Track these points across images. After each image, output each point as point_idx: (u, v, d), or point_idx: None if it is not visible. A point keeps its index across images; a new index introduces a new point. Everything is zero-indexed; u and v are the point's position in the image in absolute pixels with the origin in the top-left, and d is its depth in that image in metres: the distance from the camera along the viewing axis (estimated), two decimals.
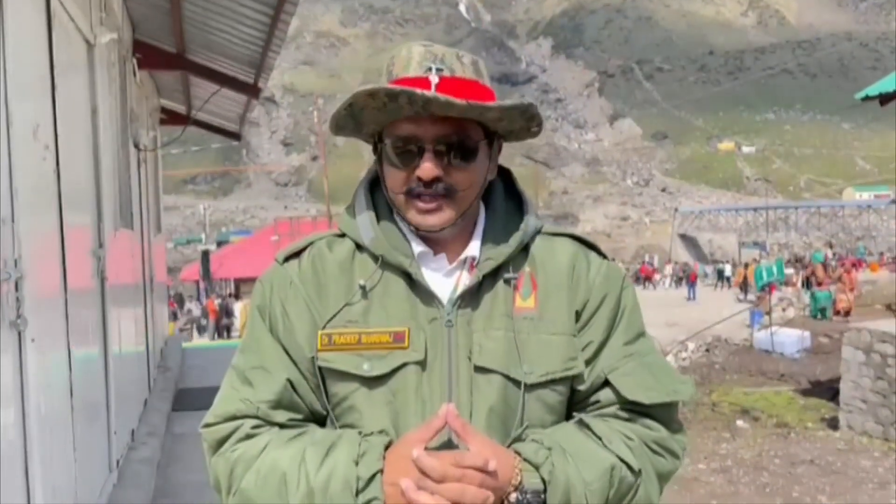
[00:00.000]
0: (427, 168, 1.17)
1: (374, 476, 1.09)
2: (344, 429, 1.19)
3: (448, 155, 1.18)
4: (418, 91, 1.11)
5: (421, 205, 1.20)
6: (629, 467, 1.17)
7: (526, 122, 1.24)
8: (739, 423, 9.56)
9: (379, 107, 1.16)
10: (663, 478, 1.23)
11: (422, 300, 1.21)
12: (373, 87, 1.14)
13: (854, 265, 45.03)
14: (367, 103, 1.16)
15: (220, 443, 1.19)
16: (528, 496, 1.09)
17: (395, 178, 1.22)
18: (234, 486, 1.16)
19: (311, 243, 1.29)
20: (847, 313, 19.15)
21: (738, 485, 6.87)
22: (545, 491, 1.11)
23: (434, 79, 1.17)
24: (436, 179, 1.18)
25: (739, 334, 17.60)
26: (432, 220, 1.20)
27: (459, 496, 1.04)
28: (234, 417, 1.19)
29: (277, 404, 1.19)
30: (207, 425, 1.22)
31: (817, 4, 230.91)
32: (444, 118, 1.16)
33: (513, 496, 1.09)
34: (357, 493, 1.08)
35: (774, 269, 19.33)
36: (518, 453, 1.14)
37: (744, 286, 27.87)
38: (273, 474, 1.12)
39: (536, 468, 1.12)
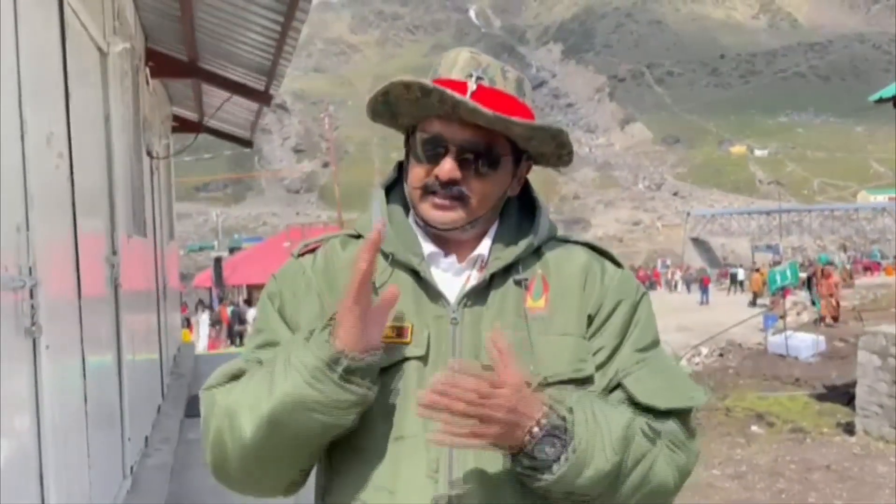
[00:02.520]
0: (446, 169, 1.20)
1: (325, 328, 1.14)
2: None
3: (469, 161, 1.20)
4: (448, 92, 1.15)
5: (436, 200, 1.22)
6: (644, 433, 1.18)
7: (556, 147, 1.26)
8: (754, 428, 9.48)
9: (412, 99, 1.20)
10: (680, 471, 1.22)
11: (428, 298, 1.23)
12: (409, 80, 1.17)
13: (867, 268, 44.69)
14: (402, 94, 1.20)
15: (217, 398, 1.22)
16: (550, 428, 1.09)
17: (416, 173, 1.24)
18: (218, 402, 1.20)
19: (327, 240, 1.33)
20: (835, 319, 18.31)
21: (753, 491, 6.81)
22: (567, 426, 1.10)
23: (472, 86, 1.20)
24: (452, 182, 1.20)
25: (753, 338, 17.48)
26: (442, 217, 1.23)
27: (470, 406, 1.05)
28: (234, 377, 1.23)
29: None
30: (209, 388, 1.24)
31: (829, 7, 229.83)
32: (475, 126, 1.19)
33: (535, 429, 1.09)
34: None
35: (788, 273, 19.14)
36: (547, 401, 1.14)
37: (756, 293, 27.53)
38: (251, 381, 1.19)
39: (560, 404, 1.13)
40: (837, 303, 18.80)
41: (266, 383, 1.14)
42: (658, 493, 1.19)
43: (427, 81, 1.17)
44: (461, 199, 1.21)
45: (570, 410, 1.12)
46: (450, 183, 1.20)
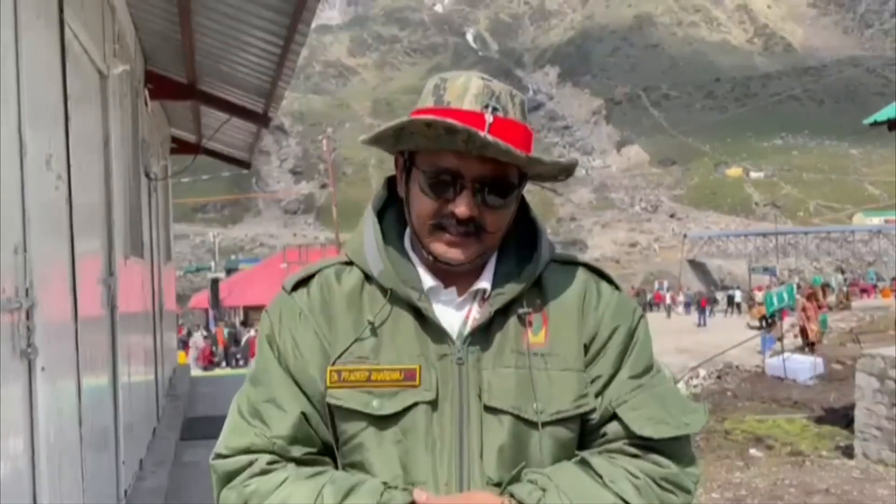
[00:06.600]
0: (463, 209, 1.16)
1: None
2: (365, 475, 1.17)
3: (484, 194, 1.17)
4: (481, 134, 1.09)
5: (449, 237, 1.18)
6: (635, 486, 1.14)
7: (559, 171, 1.25)
8: (753, 451, 9.43)
9: (431, 137, 1.14)
10: None
11: (432, 337, 1.19)
12: (432, 119, 1.11)
13: (864, 290, 44.69)
14: (421, 131, 1.14)
15: (231, 476, 1.16)
16: None
17: (425, 207, 1.19)
18: None
19: (319, 271, 1.27)
20: (812, 346, 18.03)
21: None
22: None
23: (489, 118, 1.14)
24: (469, 219, 1.17)
25: (751, 360, 17.43)
26: (457, 254, 1.19)
27: None
28: (247, 451, 1.16)
29: (294, 440, 1.17)
30: (219, 456, 1.18)
31: (823, 31, 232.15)
32: (490, 158, 1.15)
33: None
34: None
35: (785, 295, 19.18)
36: (512, 495, 1.12)
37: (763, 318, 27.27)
38: None
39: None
40: (810, 328, 18.44)
41: None
42: None
43: (453, 122, 1.09)
44: (476, 234, 1.18)
45: None
46: (468, 220, 1.17)
